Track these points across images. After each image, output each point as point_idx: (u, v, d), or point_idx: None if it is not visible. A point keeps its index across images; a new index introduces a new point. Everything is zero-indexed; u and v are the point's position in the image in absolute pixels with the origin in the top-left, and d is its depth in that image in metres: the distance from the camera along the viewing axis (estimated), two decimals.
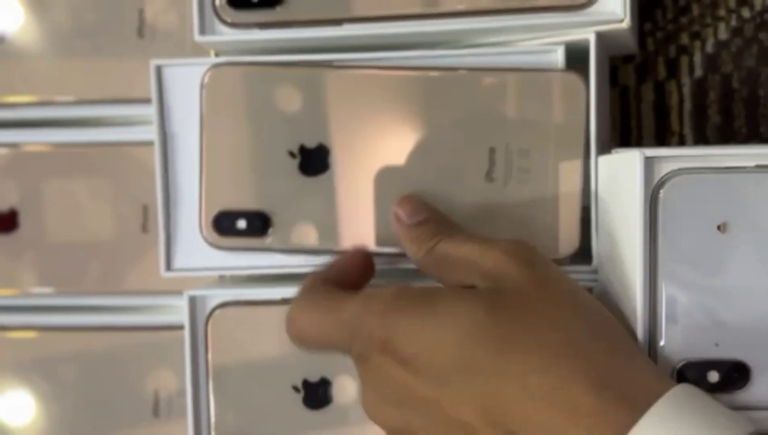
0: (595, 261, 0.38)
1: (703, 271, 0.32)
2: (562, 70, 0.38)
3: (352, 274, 0.37)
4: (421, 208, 0.37)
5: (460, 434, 0.30)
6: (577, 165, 0.37)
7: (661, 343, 0.32)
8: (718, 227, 0.32)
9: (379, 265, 0.39)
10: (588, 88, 0.37)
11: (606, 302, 0.34)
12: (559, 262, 0.38)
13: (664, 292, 0.32)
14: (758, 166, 0.32)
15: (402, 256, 0.37)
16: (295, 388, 0.40)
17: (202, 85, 0.39)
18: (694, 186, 0.32)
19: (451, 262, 0.34)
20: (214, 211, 0.39)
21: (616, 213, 0.35)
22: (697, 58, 0.45)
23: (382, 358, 0.31)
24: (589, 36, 0.38)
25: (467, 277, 0.33)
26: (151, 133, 0.40)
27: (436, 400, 0.30)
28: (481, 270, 0.32)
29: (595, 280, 0.38)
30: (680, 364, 0.32)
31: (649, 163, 0.32)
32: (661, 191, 0.32)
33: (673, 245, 0.32)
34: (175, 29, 0.45)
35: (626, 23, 0.38)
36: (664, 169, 0.32)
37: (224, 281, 0.43)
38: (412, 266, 0.37)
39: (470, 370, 0.29)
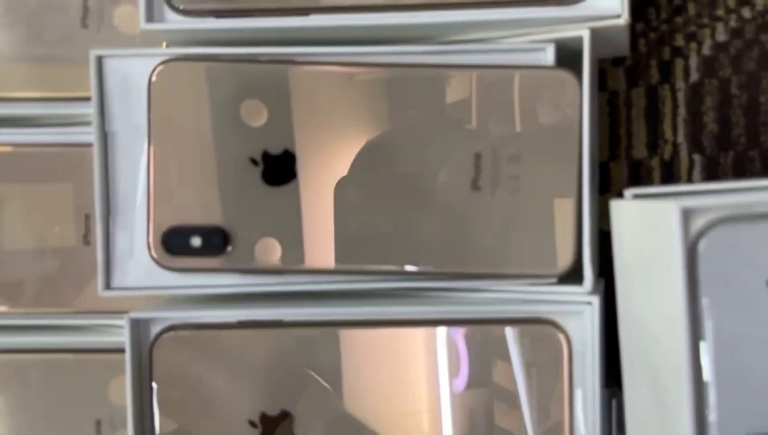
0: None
1: (754, 332, 0.27)
2: (554, 68, 0.34)
3: None
4: None
5: None
6: (571, 170, 0.34)
7: (712, 416, 0.27)
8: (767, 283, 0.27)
9: (345, 284, 0.35)
10: (582, 88, 0.34)
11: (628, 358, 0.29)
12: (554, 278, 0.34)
13: (712, 358, 0.27)
14: None
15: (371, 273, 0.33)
16: (252, 423, 0.35)
17: (150, 84, 0.34)
18: (737, 236, 0.27)
19: None
20: (164, 227, 0.35)
21: (641, 263, 0.31)
22: (693, 61, 0.42)
23: None
24: (583, 33, 0.34)
25: None
26: (92, 134, 0.36)
27: None
28: None
29: (589, 303, 0.34)
30: None
31: (685, 215, 0.28)
32: (700, 244, 0.27)
33: (717, 305, 0.27)
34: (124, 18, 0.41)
35: (624, 19, 0.34)
36: (701, 219, 0.28)
37: (172, 301, 0.38)
38: (378, 286, 0.33)
39: None
